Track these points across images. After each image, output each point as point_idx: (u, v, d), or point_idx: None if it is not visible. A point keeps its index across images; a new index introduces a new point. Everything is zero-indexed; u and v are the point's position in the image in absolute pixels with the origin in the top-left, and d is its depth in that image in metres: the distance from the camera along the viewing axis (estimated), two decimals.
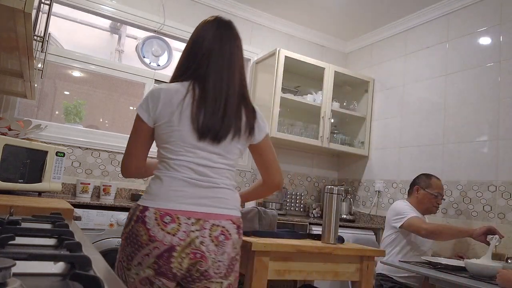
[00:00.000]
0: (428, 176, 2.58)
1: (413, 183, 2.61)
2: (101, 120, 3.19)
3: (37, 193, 2.21)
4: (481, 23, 2.84)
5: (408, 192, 2.64)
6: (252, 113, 1.37)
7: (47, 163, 2.20)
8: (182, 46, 3.49)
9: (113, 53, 3.29)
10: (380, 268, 2.45)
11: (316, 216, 3.57)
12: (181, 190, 1.24)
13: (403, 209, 2.46)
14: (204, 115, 1.26)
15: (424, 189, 2.52)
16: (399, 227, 2.42)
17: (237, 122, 1.32)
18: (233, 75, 1.35)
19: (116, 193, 2.87)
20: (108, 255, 2.28)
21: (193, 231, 1.20)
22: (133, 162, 1.35)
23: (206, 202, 1.25)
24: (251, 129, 1.36)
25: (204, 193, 1.26)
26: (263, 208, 1.78)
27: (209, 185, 1.27)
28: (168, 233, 1.18)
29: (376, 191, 3.46)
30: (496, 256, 2.16)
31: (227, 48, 1.37)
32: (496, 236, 2.06)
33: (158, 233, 1.18)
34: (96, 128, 3.14)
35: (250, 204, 3.26)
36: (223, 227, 1.24)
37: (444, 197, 2.59)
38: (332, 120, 3.57)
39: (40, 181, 2.17)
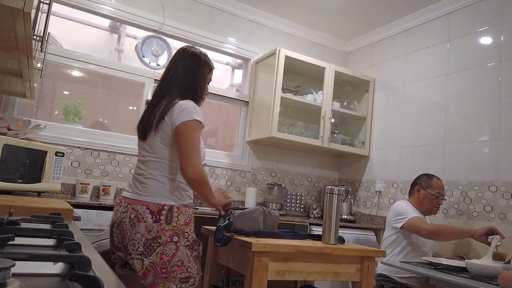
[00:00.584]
0: (429, 176, 2.57)
1: (414, 183, 2.60)
2: (100, 120, 3.19)
3: (37, 193, 2.20)
4: (481, 22, 2.84)
5: (409, 192, 2.64)
6: (168, 105, 1.57)
7: (46, 163, 2.20)
8: (182, 45, 3.47)
9: (113, 52, 3.28)
10: (380, 268, 2.45)
11: (316, 216, 3.57)
12: (129, 182, 1.65)
13: (404, 209, 2.45)
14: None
15: (425, 189, 2.51)
16: (400, 227, 2.41)
17: (155, 116, 1.58)
18: (170, 81, 1.66)
19: (115, 193, 2.86)
20: (108, 255, 2.28)
21: (122, 213, 1.56)
22: None
23: (134, 189, 1.59)
24: (161, 119, 1.56)
25: (135, 183, 1.61)
26: (268, 208, 1.77)
27: (138, 176, 1.61)
28: (115, 213, 1.61)
29: (376, 191, 3.46)
30: (497, 256, 2.15)
31: (176, 65, 1.69)
32: (497, 236, 2.05)
33: (113, 213, 1.63)
34: (103, 128, 3.12)
35: (253, 204, 3.26)
36: (137, 211, 1.52)
37: (445, 198, 2.58)
38: (333, 120, 3.57)
39: (39, 181, 2.17)
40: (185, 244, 1.52)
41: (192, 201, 1.68)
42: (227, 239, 1.53)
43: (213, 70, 1.78)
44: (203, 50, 1.81)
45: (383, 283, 2.43)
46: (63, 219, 1.10)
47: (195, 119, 1.54)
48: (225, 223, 1.64)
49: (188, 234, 1.55)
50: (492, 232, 2.16)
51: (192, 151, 1.51)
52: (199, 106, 1.65)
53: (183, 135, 1.52)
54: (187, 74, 1.67)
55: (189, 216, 1.58)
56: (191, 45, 1.80)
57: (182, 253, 1.51)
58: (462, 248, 2.64)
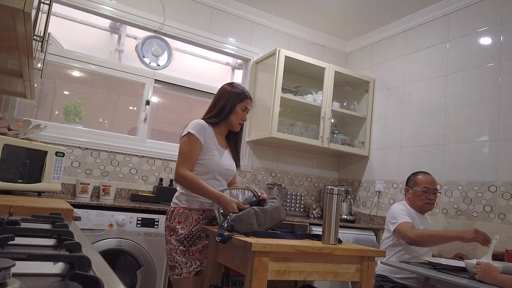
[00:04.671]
0: (414, 174, 2.58)
1: (405, 185, 2.61)
2: (100, 120, 3.19)
3: (37, 193, 2.20)
4: (481, 23, 2.84)
5: (404, 194, 2.65)
6: None
7: (46, 163, 2.20)
8: (182, 46, 3.48)
9: (113, 53, 3.28)
10: (380, 269, 2.44)
11: (316, 216, 3.57)
12: None
13: (397, 213, 2.44)
14: None
15: (412, 188, 2.52)
16: (393, 231, 2.42)
17: None
18: None
19: (115, 194, 2.87)
20: (108, 255, 2.28)
21: None
22: None
23: None
24: None
25: None
26: (259, 208, 1.75)
27: None
28: None
29: (376, 192, 3.46)
30: (497, 256, 2.15)
31: None
32: (497, 236, 2.05)
33: None
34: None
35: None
36: None
37: (439, 191, 2.56)
38: (332, 120, 3.57)
39: (39, 181, 2.17)
40: (176, 238, 1.82)
41: (200, 204, 1.92)
42: (228, 237, 1.54)
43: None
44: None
45: (382, 283, 2.43)
46: (63, 219, 1.10)
47: (188, 132, 1.87)
48: (227, 225, 1.65)
49: (178, 230, 1.83)
50: (478, 233, 2.15)
51: (178, 159, 1.86)
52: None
53: (180, 143, 1.92)
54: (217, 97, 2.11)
55: (185, 216, 1.87)
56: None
57: (172, 245, 1.82)
58: (462, 248, 2.64)
